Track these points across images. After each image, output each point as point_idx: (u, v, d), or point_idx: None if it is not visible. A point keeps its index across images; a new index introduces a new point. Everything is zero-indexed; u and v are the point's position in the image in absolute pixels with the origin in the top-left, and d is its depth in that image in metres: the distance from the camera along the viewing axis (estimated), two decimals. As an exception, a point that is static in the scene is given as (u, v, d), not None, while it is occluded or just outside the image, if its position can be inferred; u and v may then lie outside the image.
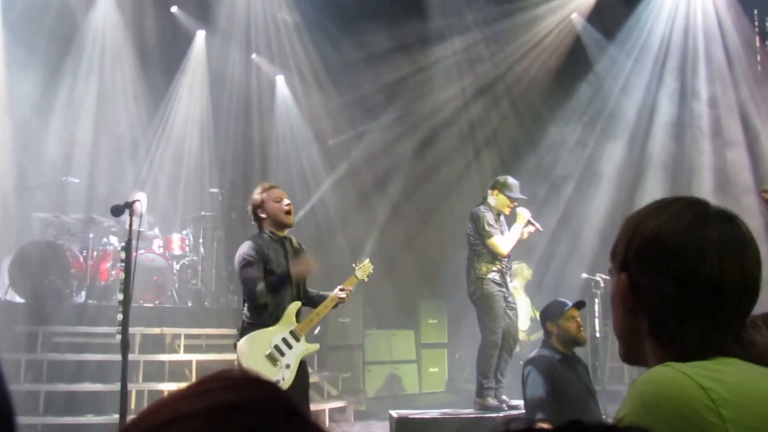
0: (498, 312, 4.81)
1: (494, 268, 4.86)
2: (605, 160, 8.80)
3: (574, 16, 9.04)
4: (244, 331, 3.58)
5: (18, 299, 6.19)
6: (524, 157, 8.98)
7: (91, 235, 6.57)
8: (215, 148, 8.61)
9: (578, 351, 3.60)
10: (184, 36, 8.64)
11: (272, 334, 3.53)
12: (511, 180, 5.00)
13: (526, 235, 4.94)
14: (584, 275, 6.15)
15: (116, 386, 4.99)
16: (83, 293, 6.43)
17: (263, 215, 3.73)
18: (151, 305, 6.45)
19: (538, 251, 8.16)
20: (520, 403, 3.95)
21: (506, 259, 4.96)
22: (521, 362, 3.73)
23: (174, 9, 8.58)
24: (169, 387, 5.72)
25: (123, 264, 3.80)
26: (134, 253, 3.84)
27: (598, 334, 5.97)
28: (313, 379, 5.67)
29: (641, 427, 0.60)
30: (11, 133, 7.14)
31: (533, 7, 8.85)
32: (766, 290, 1.10)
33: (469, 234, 4.97)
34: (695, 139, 8.43)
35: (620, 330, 1.03)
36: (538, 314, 4.36)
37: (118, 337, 3.70)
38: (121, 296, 3.78)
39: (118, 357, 3.62)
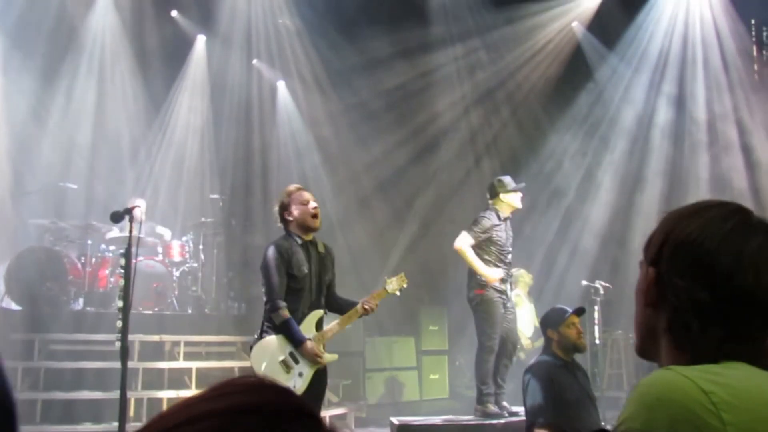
0: (496, 318, 4.83)
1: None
2: (605, 168, 8.85)
3: (574, 24, 9.10)
4: (262, 334, 3.56)
5: (14, 306, 6.12)
6: (524, 165, 9.02)
7: (89, 242, 6.52)
8: (215, 154, 8.57)
9: (577, 357, 3.61)
10: (185, 40, 8.61)
11: (287, 340, 3.50)
12: (503, 179, 5.05)
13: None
14: (584, 282, 6.17)
15: (114, 394, 4.95)
16: (81, 300, 6.37)
17: (289, 218, 3.67)
18: (150, 312, 6.39)
19: (538, 258, 8.16)
20: (521, 409, 3.95)
21: (507, 267, 4.97)
22: (523, 369, 3.72)
23: (174, 13, 8.55)
24: (168, 395, 5.67)
25: (122, 271, 3.77)
26: (134, 260, 3.80)
27: (597, 341, 5.99)
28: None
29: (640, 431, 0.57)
30: (8, 138, 7.09)
31: (534, 15, 8.90)
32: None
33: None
34: (693, 147, 8.51)
35: (639, 323, 1.03)
36: None
37: (118, 344, 3.67)
38: (120, 303, 3.74)
39: (116, 365, 3.58)
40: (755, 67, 8.79)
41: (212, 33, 8.51)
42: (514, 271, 6.99)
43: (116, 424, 3.69)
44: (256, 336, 3.63)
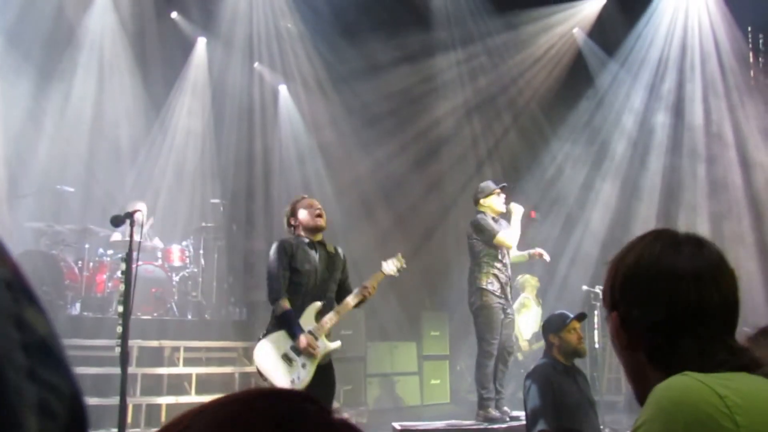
0: (495, 323, 4.88)
1: (495, 280, 4.92)
2: (606, 174, 8.91)
3: (575, 30, 9.17)
4: (266, 333, 3.63)
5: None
6: (526, 170, 9.04)
7: (86, 246, 6.43)
8: (216, 158, 8.50)
9: (577, 362, 3.64)
10: (185, 43, 8.54)
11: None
12: (481, 185, 5.18)
13: (533, 258, 5.09)
14: (585, 287, 6.22)
15: (113, 400, 4.88)
16: (78, 305, 6.28)
17: (295, 223, 3.80)
18: (149, 317, 6.31)
19: (539, 263, 8.15)
20: (521, 414, 3.99)
21: (504, 266, 5.00)
22: (522, 370, 3.73)
23: (174, 15, 8.48)
24: (167, 401, 5.61)
25: (122, 275, 3.70)
26: (134, 265, 3.73)
27: (597, 346, 6.03)
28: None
29: None
30: (4, 140, 7.01)
31: (535, 20, 8.95)
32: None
33: (471, 241, 5.01)
34: (691, 153, 8.59)
35: (627, 371, 1.08)
36: None
37: (117, 349, 3.60)
38: (120, 308, 3.68)
39: (114, 370, 3.53)
40: (752, 72, 8.91)
41: (213, 35, 8.45)
42: (519, 277, 7.01)
43: (115, 430, 3.63)
44: (260, 335, 3.66)
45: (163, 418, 5.59)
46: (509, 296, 5.05)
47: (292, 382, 3.49)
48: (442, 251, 8.67)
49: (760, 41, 9.08)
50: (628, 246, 1.10)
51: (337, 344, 3.68)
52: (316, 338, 3.56)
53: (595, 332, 5.95)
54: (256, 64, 8.93)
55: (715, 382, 0.91)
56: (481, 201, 5.06)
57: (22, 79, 6.98)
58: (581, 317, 3.60)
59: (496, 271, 4.94)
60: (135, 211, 3.77)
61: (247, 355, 6.43)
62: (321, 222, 3.77)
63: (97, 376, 5.47)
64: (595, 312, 5.92)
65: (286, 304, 3.57)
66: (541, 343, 5.13)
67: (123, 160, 7.84)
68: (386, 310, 7.78)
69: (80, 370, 5.56)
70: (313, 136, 9.00)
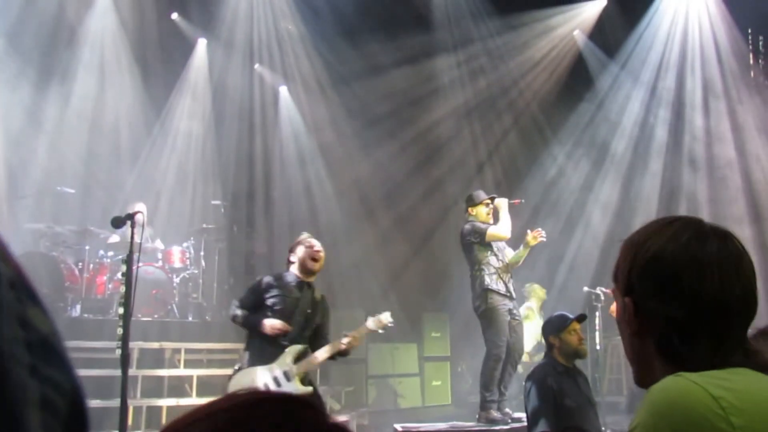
0: (502, 326, 4.89)
1: (498, 279, 4.96)
2: (606, 175, 8.91)
3: (576, 32, 9.18)
4: (240, 367, 3.74)
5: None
6: (526, 171, 9.04)
7: (87, 247, 6.42)
8: (217, 159, 8.49)
9: (577, 363, 3.65)
10: (185, 44, 8.54)
11: (264, 371, 3.64)
12: (471, 194, 5.30)
13: (532, 242, 5.06)
14: (585, 288, 6.24)
15: (113, 402, 4.86)
16: (78, 307, 6.26)
17: (293, 260, 3.90)
18: (149, 319, 6.29)
19: (540, 265, 8.14)
20: (523, 415, 3.98)
21: (505, 266, 5.05)
22: (523, 382, 3.74)
23: (175, 16, 8.48)
24: (168, 403, 5.59)
25: (123, 277, 3.68)
26: (134, 266, 3.71)
27: (598, 347, 6.03)
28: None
29: None
30: (3, 141, 6.99)
31: (536, 22, 8.96)
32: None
33: (467, 247, 5.06)
34: (691, 154, 8.60)
35: (630, 353, 1.06)
36: None
37: (118, 351, 3.58)
38: (120, 310, 3.65)
39: (114, 372, 3.53)
40: (752, 74, 8.93)
41: (213, 36, 8.45)
42: (527, 285, 7.01)
43: (116, 432, 3.60)
44: (235, 367, 3.76)
45: (163, 421, 5.57)
46: (513, 294, 5.08)
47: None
48: (442, 252, 8.66)
49: (760, 43, 9.11)
50: (650, 229, 1.05)
51: (308, 389, 3.68)
52: (289, 379, 3.62)
53: (596, 333, 5.95)
54: (256, 66, 8.92)
55: (709, 382, 0.91)
56: (470, 209, 5.18)
57: (22, 80, 6.97)
58: (582, 318, 3.61)
59: (497, 271, 4.98)
60: (135, 213, 3.75)
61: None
62: (315, 266, 3.84)
63: (97, 378, 5.45)
64: (596, 313, 5.92)
65: (238, 311, 3.76)
66: (542, 356, 5.17)
67: (123, 162, 7.82)
68: (387, 311, 7.76)
69: (81, 372, 5.48)
70: (313, 137, 8.99)
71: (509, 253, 5.17)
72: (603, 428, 4.37)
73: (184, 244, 7.06)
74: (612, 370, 7.91)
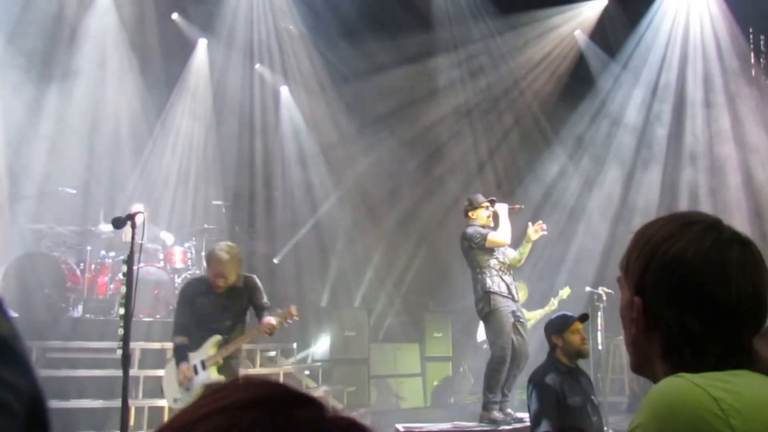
0: (506, 328, 4.86)
1: (500, 281, 4.95)
2: (607, 175, 8.91)
3: (577, 32, 9.18)
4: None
5: (11, 313, 5.98)
6: (527, 171, 9.04)
7: (88, 248, 6.41)
8: (218, 159, 8.49)
9: (580, 363, 3.65)
10: (186, 44, 8.53)
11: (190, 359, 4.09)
12: (471, 197, 5.29)
13: (534, 236, 5.06)
14: (588, 288, 6.24)
15: (114, 402, 4.85)
16: (80, 307, 6.26)
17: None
18: (151, 319, 6.28)
19: (541, 265, 8.14)
20: (525, 416, 4.01)
21: (506, 266, 5.04)
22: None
23: (175, 16, 8.47)
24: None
25: (124, 277, 3.67)
26: (135, 267, 3.70)
27: (600, 347, 6.03)
28: (318, 393, 5.54)
29: None
30: (4, 141, 6.99)
31: (536, 22, 8.97)
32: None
33: (468, 251, 5.05)
34: (692, 153, 8.61)
35: (631, 345, 1.04)
36: None
37: (119, 351, 3.57)
38: (122, 310, 3.65)
39: (115, 372, 3.55)
40: (753, 73, 8.95)
41: (214, 36, 8.44)
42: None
43: (117, 432, 3.60)
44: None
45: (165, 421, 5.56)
46: (516, 296, 5.07)
47: (175, 401, 4.13)
48: (444, 252, 8.64)
49: (762, 42, 9.13)
50: (668, 228, 0.99)
51: (219, 378, 4.04)
52: (204, 368, 4.03)
53: (598, 333, 5.94)
54: (257, 66, 8.91)
55: (710, 384, 0.90)
56: (470, 213, 5.16)
57: (23, 81, 6.97)
58: (584, 318, 3.60)
59: (499, 273, 4.97)
60: (136, 213, 3.74)
61: (250, 357, 6.40)
62: (218, 287, 4.13)
63: (99, 379, 5.46)
64: (599, 313, 5.91)
65: (177, 340, 4.17)
66: None
67: (124, 162, 7.82)
68: (389, 311, 7.77)
69: (82, 372, 5.55)
70: (314, 137, 8.98)
71: (510, 253, 5.15)
72: (605, 428, 4.36)
73: (186, 245, 7.05)
74: (614, 370, 7.92)
